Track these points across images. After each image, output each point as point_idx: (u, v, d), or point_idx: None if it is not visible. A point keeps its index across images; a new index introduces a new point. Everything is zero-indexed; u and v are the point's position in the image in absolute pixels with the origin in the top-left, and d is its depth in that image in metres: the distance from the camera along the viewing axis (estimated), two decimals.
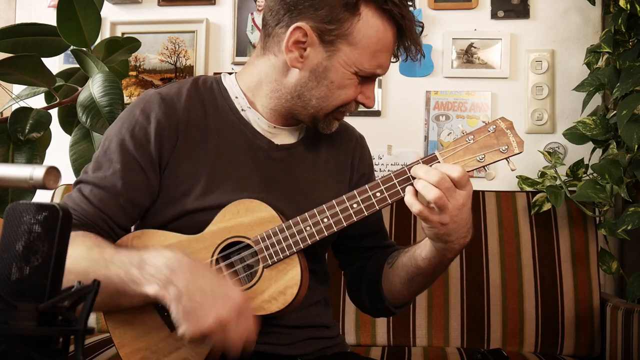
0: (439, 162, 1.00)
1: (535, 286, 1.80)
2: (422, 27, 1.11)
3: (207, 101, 1.13)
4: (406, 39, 1.08)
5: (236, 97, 1.14)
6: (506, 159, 1.01)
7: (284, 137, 1.16)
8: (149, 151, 1.05)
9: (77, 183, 1.07)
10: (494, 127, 1.01)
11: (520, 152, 1.01)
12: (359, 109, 1.17)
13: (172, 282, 0.88)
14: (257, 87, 1.13)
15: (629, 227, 1.70)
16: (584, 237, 1.84)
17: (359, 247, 1.25)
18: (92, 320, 1.86)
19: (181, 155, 1.07)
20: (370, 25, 1.04)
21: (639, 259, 1.94)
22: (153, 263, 0.91)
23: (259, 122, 1.13)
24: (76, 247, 0.93)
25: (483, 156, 1.00)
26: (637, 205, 1.72)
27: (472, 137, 1.01)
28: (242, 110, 1.14)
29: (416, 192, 0.97)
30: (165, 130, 1.06)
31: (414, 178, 0.99)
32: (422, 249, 1.07)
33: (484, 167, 1.01)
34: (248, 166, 1.10)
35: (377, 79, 1.14)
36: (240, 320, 0.90)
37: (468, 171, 1.00)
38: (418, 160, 1.00)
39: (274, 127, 1.14)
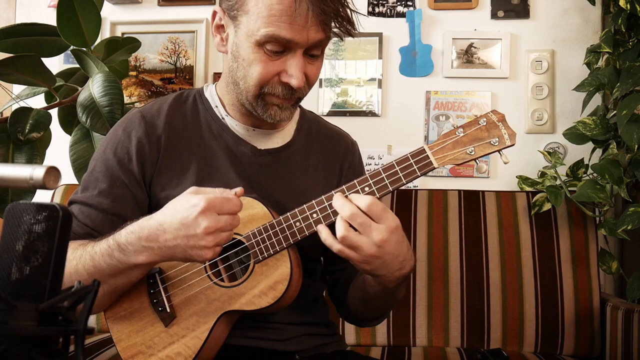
0: (427, 155, 0.97)
1: (535, 286, 1.80)
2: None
3: (188, 114, 1.15)
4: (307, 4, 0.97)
5: (216, 106, 1.16)
6: (498, 151, 0.98)
7: (266, 142, 1.16)
8: (131, 169, 1.09)
9: (68, 204, 1.10)
10: (485, 119, 0.98)
11: (512, 145, 0.97)
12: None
13: (157, 247, 0.93)
14: (223, 89, 1.16)
15: (629, 227, 1.70)
16: (584, 237, 1.84)
17: (337, 257, 1.25)
18: (92, 320, 1.86)
19: (165, 168, 1.10)
20: None
21: (639, 259, 1.94)
22: (128, 242, 0.95)
23: (237, 127, 1.14)
24: None
25: (473, 149, 0.97)
26: (637, 205, 1.72)
27: (462, 129, 0.98)
28: (223, 118, 1.15)
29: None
30: (145, 147, 1.09)
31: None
32: (367, 277, 1.05)
33: (474, 160, 0.98)
34: (234, 172, 1.11)
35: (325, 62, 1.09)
36: (221, 216, 0.91)
37: (458, 164, 0.98)
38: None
39: (253, 130, 1.14)
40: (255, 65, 1.02)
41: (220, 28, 1.09)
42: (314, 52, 1.04)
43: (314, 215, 1.00)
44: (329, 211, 1.00)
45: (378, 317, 1.21)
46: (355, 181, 0.99)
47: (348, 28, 1.02)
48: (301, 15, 0.97)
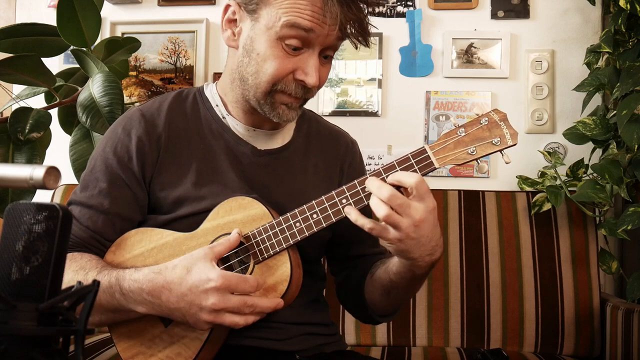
0: (428, 155, 0.97)
1: (535, 286, 1.80)
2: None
3: (189, 112, 1.15)
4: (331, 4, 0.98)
5: (217, 105, 1.16)
6: (500, 151, 0.97)
7: (266, 142, 1.16)
8: (131, 167, 1.08)
9: (68, 204, 1.10)
10: (487, 119, 0.97)
11: (514, 144, 0.96)
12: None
13: (158, 304, 0.94)
14: (226, 87, 1.14)
15: (629, 227, 1.70)
16: (584, 237, 1.84)
17: (348, 255, 1.25)
18: None
19: (165, 168, 1.09)
20: None
21: (639, 259, 1.94)
22: (131, 290, 0.95)
23: (238, 127, 1.14)
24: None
25: (474, 149, 0.96)
26: (637, 205, 1.72)
27: (464, 129, 0.97)
28: (223, 117, 1.15)
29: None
30: (145, 146, 1.09)
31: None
32: (394, 264, 1.05)
33: (476, 160, 0.97)
34: (234, 172, 1.11)
35: (332, 61, 1.09)
36: (232, 294, 0.92)
37: (459, 164, 0.97)
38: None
39: (254, 130, 1.14)
40: (271, 61, 1.02)
41: (232, 22, 1.08)
42: (328, 53, 1.05)
43: (314, 215, 1.00)
44: (329, 212, 1.00)
45: (395, 311, 1.20)
46: (356, 181, 0.98)
47: (360, 39, 1.04)
48: (331, 15, 0.98)
